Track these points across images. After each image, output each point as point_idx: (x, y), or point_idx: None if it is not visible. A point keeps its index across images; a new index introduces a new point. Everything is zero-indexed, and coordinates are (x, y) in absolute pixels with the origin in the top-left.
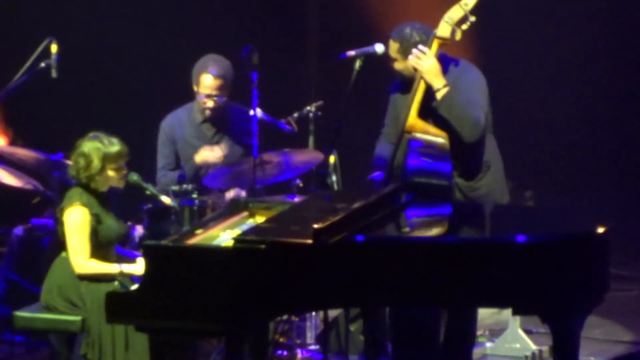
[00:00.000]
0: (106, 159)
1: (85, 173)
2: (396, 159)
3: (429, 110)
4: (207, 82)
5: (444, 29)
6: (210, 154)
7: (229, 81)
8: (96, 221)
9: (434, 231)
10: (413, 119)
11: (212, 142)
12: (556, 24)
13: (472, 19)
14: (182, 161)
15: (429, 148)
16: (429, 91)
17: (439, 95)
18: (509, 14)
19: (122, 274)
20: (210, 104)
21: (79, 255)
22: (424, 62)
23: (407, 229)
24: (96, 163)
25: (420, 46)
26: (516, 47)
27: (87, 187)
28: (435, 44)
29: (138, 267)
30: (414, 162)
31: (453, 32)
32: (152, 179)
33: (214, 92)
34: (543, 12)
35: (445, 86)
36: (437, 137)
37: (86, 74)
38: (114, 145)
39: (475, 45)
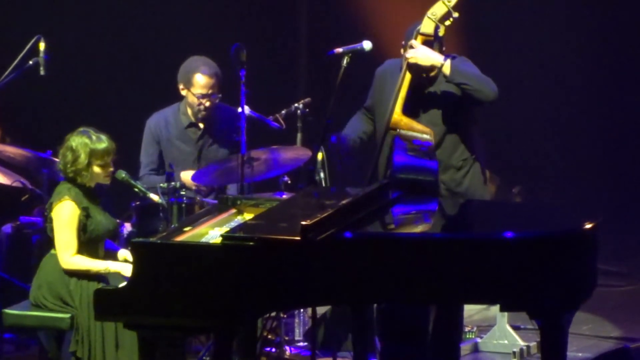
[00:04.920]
0: (93, 154)
1: (72, 167)
2: (381, 156)
3: (414, 107)
4: (201, 82)
5: (427, 25)
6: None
7: (220, 79)
8: (85, 216)
9: (419, 228)
10: (398, 115)
11: (197, 145)
12: (547, 20)
13: (456, 15)
14: (165, 161)
15: (414, 144)
16: (414, 87)
17: (446, 69)
18: (498, 11)
19: (107, 271)
20: (207, 103)
21: (66, 250)
22: (418, 52)
23: (392, 226)
24: (83, 158)
25: (410, 42)
26: (506, 44)
27: (74, 182)
28: (418, 40)
29: (125, 266)
30: (400, 159)
31: (436, 28)
32: (138, 174)
33: (210, 91)
34: (534, 9)
35: (445, 59)
36: (422, 133)
37: (75, 72)
38: (102, 142)
39: (466, 41)
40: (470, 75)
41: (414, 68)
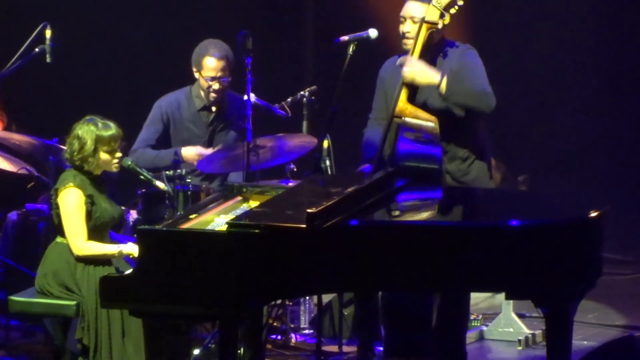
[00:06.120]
0: (99, 141)
1: (78, 155)
2: (386, 143)
3: (420, 96)
4: (210, 65)
5: (432, 13)
6: (197, 157)
7: (231, 62)
8: (90, 203)
9: (424, 215)
10: (403, 103)
11: (209, 129)
12: (555, 7)
13: (461, 2)
14: (174, 143)
15: (419, 132)
16: None
17: (443, 88)
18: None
19: (121, 254)
20: (216, 86)
21: (77, 237)
22: (414, 69)
23: (397, 213)
24: (89, 145)
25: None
26: (512, 31)
27: (81, 170)
28: (424, 28)
29: (137, 247)
30: (404, 146)
31: (441, 16)
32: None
33: (219, 74)
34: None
35: (442, 76)
36: (427, 121)
37: (81, 59)
38: (109, 129)
39: (472, 29)
40: (465, 93)
41: (410, 85)
